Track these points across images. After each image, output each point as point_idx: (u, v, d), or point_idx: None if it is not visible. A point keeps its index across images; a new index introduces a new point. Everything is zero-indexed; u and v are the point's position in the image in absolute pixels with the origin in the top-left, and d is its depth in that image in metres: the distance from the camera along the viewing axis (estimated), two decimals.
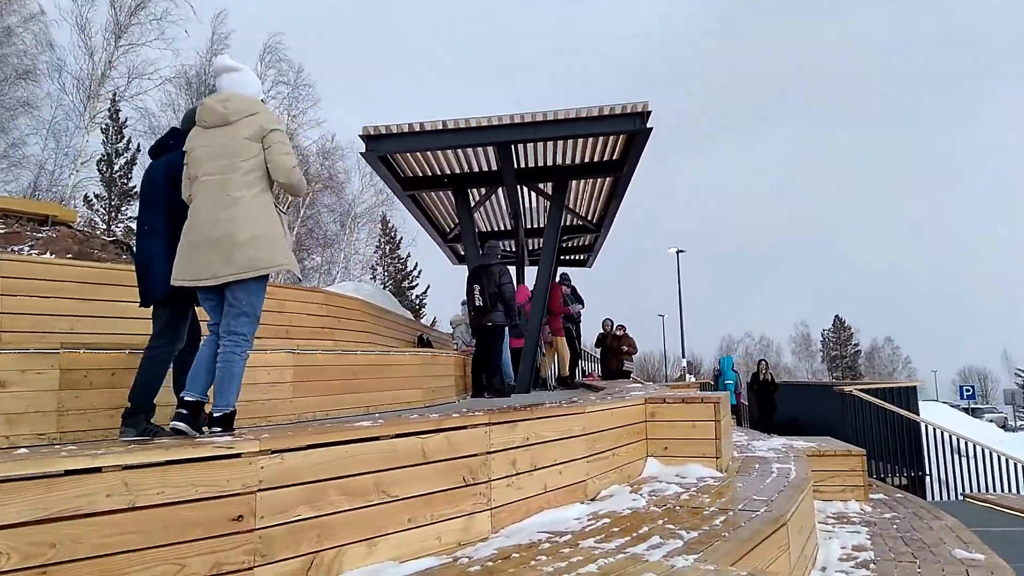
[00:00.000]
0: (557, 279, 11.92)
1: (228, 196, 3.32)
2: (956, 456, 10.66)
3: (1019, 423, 54.43)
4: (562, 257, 17.40)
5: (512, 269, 13.46)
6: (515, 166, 10.08)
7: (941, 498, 10.28)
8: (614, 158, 10.10)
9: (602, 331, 15.28)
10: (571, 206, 13.00)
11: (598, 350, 15.60)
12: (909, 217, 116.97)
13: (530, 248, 16.03)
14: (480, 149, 9.54)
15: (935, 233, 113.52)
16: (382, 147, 8.80)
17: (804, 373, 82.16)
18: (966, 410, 35.19)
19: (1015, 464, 10.17)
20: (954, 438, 10.35)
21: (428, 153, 9.63)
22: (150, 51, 19.73)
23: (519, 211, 12.32)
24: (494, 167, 10.04)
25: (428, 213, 12.48)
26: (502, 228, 14.19)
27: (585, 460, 4.03)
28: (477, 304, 8.75)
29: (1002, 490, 10.20)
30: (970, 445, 10.36)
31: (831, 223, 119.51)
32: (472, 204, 11.52)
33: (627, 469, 4.57)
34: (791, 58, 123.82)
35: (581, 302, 12.74)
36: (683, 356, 30.08)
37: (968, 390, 36.20)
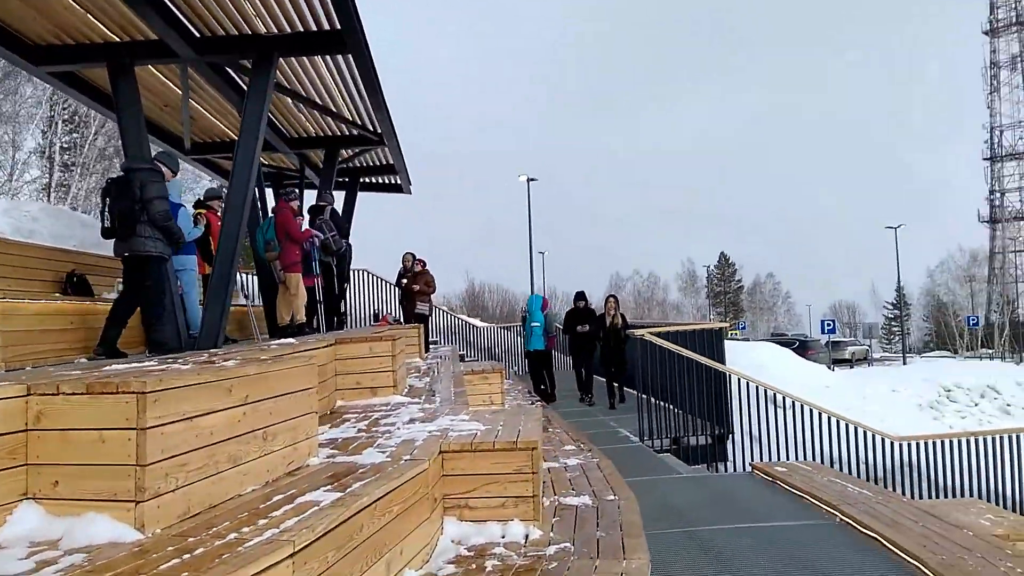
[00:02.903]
0: (290, 198, 9.23)
1: None
2: (776, 409, 8.99)
3: (882, 355, 57.28)
4: (364, 180, 14.69)
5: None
6: (190, 32, 7.22)
7: (741, 466, 8.61)
8: (336, 27, 7.41)
9: (402, 267, 12.87)
10: (333, 107, 10.25)
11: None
12: (794, 160, 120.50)
13: (318, 166, 13.19)
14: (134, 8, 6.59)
15: (815, 173, 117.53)
16: None
17: (690, 310, 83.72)
18: (828, 344, 35.56)
19: (828, 419, 8.59)
20: (762, 389, 8.64)
21: (60, 9, 6.63)
22: None
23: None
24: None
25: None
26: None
27: None
28: (105, 225, 6.10)
29: (815, 452, 8.62)
30: (779, 397, 8.69)
31: (718, 170, 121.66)
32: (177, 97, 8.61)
33: None
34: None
35: (341, 231, 10.17)
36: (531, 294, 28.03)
37: (829, 324, 36.60)
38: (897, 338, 66.35)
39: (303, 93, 9.52)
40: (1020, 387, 19.94)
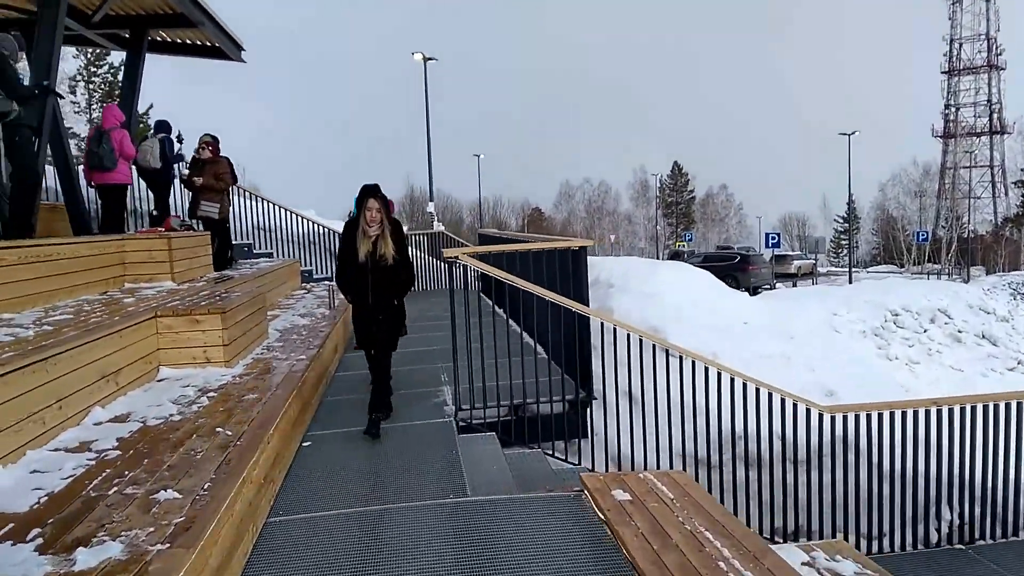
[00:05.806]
0: None
1: None
2: (659, 358, 6.14)
3: (828, 269, 56.00)
4: (156, 37, 10.99)
5: None
6: None
7: (603, 448, 5.84)
8: None
9: (194, 154, 9.53)
10: None
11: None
12: (749, 68, 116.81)
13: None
14: None
15: (770, 81, 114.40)
16: None
17: (641, 220, 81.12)
18: (772, 259, 33.28)
19: (732, 379, 5.82)
20: (635, 336, 5.76)
21: None
22: None
23: None
24: None
25: None
26: None
27: None
28: None
29: (713, 424, 5.87)
30: (647, 344, 5.82)
31: (674, 79, 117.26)
32: None
33: None
34: None
35: (9, 87, 6.62)
36: (430, 199, 23.74)
37: (774, 238, 34.27)
38: (845, 252, 65.19)
39: None
40: (972, 310, 17.77)
